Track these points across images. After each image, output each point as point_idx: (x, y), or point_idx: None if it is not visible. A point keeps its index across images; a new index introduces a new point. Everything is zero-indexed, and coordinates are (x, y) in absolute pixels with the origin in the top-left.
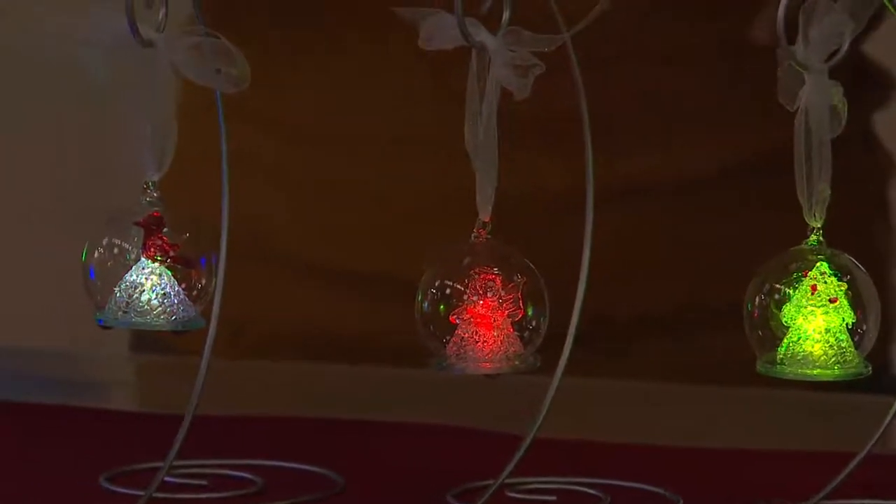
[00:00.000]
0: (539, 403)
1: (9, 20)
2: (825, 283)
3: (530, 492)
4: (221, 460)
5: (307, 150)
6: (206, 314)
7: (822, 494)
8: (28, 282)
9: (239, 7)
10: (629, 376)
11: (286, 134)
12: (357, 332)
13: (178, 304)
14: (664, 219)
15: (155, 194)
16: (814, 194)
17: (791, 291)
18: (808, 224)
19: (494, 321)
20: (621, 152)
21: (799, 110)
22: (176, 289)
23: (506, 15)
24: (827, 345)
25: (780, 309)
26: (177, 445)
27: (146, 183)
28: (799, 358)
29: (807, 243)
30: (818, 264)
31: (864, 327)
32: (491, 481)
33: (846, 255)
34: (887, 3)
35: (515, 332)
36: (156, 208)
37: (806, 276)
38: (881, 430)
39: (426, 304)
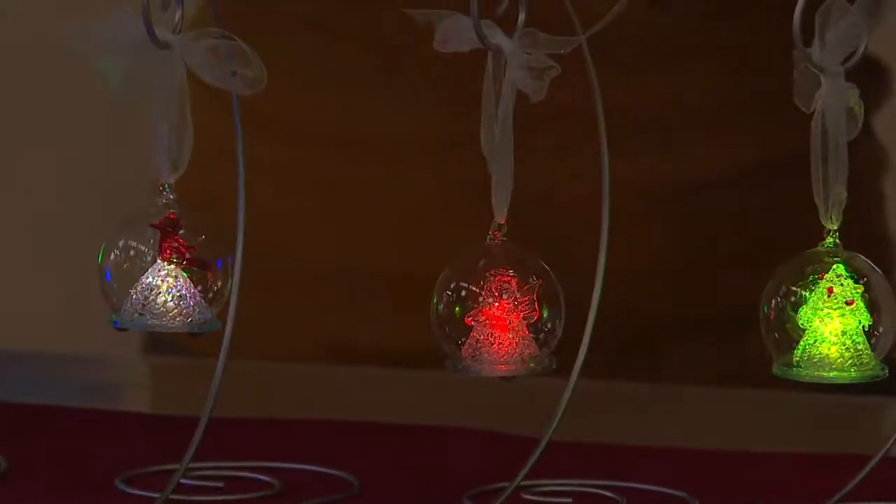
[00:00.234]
0: (554, 406)
1: (24, 23)
2: (841, 285)
3: (546, 494)
4: (237, 462)
5: (319, 152)
6: (221, 316)
7: (838, 497)
8: (42, 285)
9: (244, 7)
10: (645, 379)
11: (296, 136)
12: (372, 334)
13: (193, 306)
14: (679, 221)
15: (171, 196)
16: (830, 196)
17: (807, 294)
18: (824, 226)
19: (510, 323)
20: (637, 154)
21: (815, 113)
22: (192, 291)
23: (521, 17)
24: (843, 347)
25: (796, 311)
26: (193, 447)
27: (162, 185)
28: (815, 360)
29: (823, 245)
30: (834, 267)
31: (881, 330)
32: (506, 484)
33: (862, 257)
34: None
35: (531, 334)
36: (172, 210)
37: (822, 278)
38: None
39: (441, 305)
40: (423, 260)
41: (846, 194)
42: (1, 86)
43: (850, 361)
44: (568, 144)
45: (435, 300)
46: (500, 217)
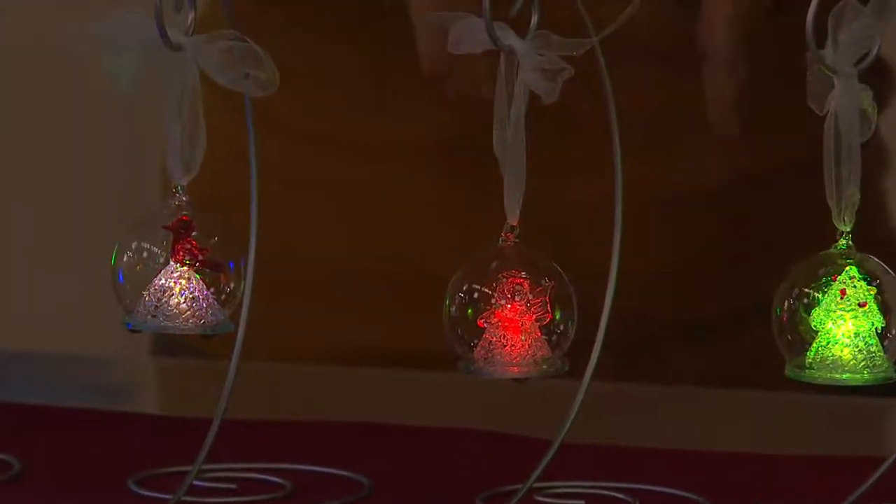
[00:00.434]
0: (564, 407)
1: (35, 24)
2: (854, 287)
3: (558, 496)
4: (250, 464)
5: (327, 153)
6: (233, 318)
7: (851, 499)
8: (52, 286)
9: (252, 7)
10: (656, 381)
11: (304, 137)
12: (384, 336)
13: (206, 307)
14: (687, 224)
15: (184, 198)
16: (843, 198)
17: (820, 295)
18: (836, 228)
19: (522, 325)
20: (646, 157)
21: (828, 114)
22: (205, 293)
23: (534, 19)
24: (856, 349)
25: (808, 313)
26: (206, 449)
27: (175, 187)
28: (828, 362)
29: (836, 247)
30: (847, 268)
31: (894, 332)
32: (519, 485)
33: (875, 259)
34: None
35: (543, 336)
36: (185, 212)
37: (835, 280)
38: None
39: (454, 307)
40: (435, 261)
41: (859, 196)
42: (15, 87)
43: (862, 363)
44: (579, 147)
45: (447, 302)
46: (513, 219)
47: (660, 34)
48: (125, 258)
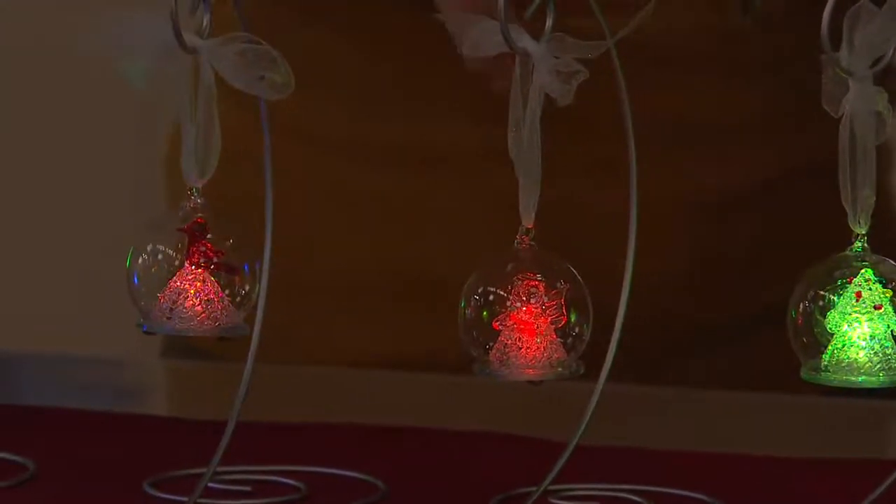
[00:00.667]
0: (581, 410)
1: (50, 26)
2: (870, 289)
3: (573, 499)
4: (264, 466)
5: (341, 157)
6: (248, 320)
7: (866, 502)
8: (65, 288)
9: (268, 10)
10: (672, 383)
11: (318, 141)
12: (399, 339)
13: (221, 310)
14: (706, 227)
15: (199, 200)
16: (858, 200)
17: (835, 298)
18: (852, 230)
19: (538, 327)
20: (662, 161)
21: (843, 117)
22: (220, 295)
23: (549, 21)
24: (872, 352)
25: (824, 316)
26: (220, 451)
27: (190, 189)
28: (843, 365)
29: (851, 250)
30: (863, 271)
31: None
32: (533, 488)
33: (891, 261)
34: None
35: (559, 339)
36: (200, 214)
37: (850, 282)
38: None
39: (469, 310)
40: (449, 264)
41: (874, 198)
42: (31, 88)
43: (878, 366)
44: (594, 150)
45: (462, 304)
46: (528, 221)
47: (674, 38)
48: (140, 260)
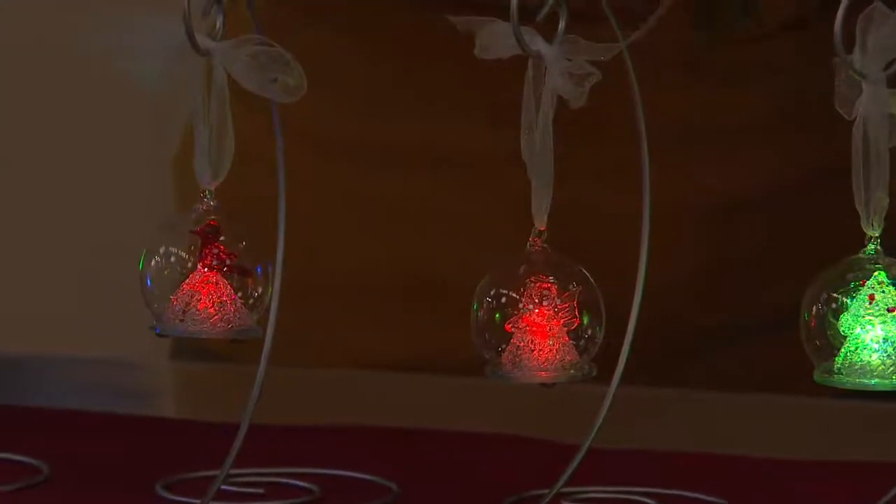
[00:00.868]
0: (591, 412)
1: (67, 28)
2: (883, 292)
3: (585, 501)
4: (277, 469)
5: (351, 160)
6: (261, 323)
7: None
8: (76, 290)
9: (278, 13)
10: (685, 386)
11: (328, 144)
12: (410, 341)
13: (234, 312)
14: (718, 229)
15: (212, 203)
16: (871, 203)
17: (848, 301)
18: (865, 233)
19: (550, 330)
20: (673, 165)
21: (857, 119)
22: (232, 297)
23: (562, 23)
24: (885, 355)
25: (837, 318)
26: (233, 453)
27: (203, 191)
28: (857, 368)
29: (864, 252)
30: (876, 273)
31: None
32: (546, 490)
33: None
34: None
35: (571, 341)
36: (212, 217)
37: (864, 285)
38: None
39: (482, 312)
40: (460, 267)
41: (888, 200)
42: (46, 90)
43: (891, 369)
44: (607, 152)
45: (475, 306)
46: (540, 224)
47: (685, 42)
48: (153, 263)
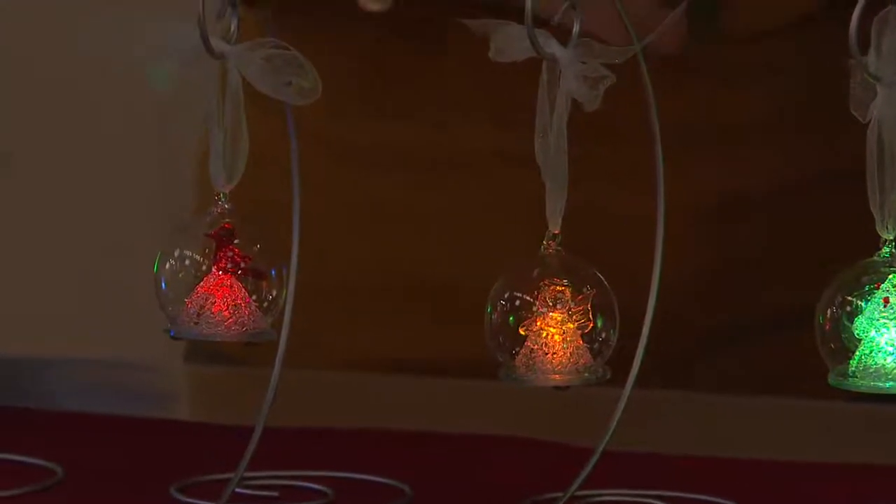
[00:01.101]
0: (601, 414)
1: (82, 31)
2: None
3: None
4: (291, 471)
5: (362, 163)
6: (275, 326)
7: None
8: (90, 293)
9: (294, 18)
10: (698, 388)
11: (339, 147)
12: (424, 344)
13: (248, 315)
14: (730, 232)
15: (226, 206)
16: (886, 205)
17: (863, 304)
18: (879, 236)
19: (564, 333)
20: (680, 167)
21: (871, 122)
22: (247, 300)
23: (576, 27)
24: None
25: (851, 321)
26: (248, 456)
27: (217, 194)
28: (871, 371)
29: (879, 255)
30: (890, 276)
31: None
32: (559, 493)
33: None
34: None
35: (585, 344)
36: (227, 219)
37: (878, 288)
38: None
39: (495, 315)
40: (474, 270)
41: None
42: (55, 91)
43: None
44: (619, 154)
45: (489, 309)
46: (555, 227)
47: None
48: (168, 266)
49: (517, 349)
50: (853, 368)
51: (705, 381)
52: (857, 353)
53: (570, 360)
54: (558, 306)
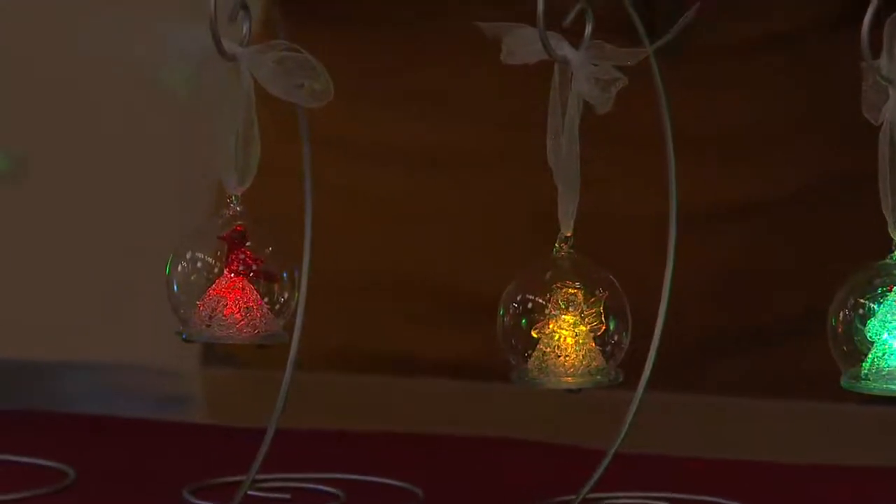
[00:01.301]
0: (613, 417)
1: (95, 33)
2: None
3: None
4: (303, 474)
5: (373, 165)
6: (287, 328)
7: None
8: (104, 296)
9: (307, 19)
10: (710, 391)
11: (349, 149)
12: (438, 347)
13: (260, 317)
14: (741, 237)
15: (238, 208)
16: None
17: (876, 306)
18: (892, 238)
19: (576, 335)
20: (700, 169)
21: (883, 124)
22: (259, 303)
23: (588, 28)
24: None
25: (864, 324)
26: (260, 458)
27: (229, 197)
28: (884, 373)
29: (891, 258)
30: None
31: None
32: (571, 496)
33: None
34: None
35: (597, 347)
36: (239, 222)
37: (891, 290)
38: None
39: (507, 317)
40: (483, 273)
41: None
42: (75, 94)
43: None
44: (631, 157)
45: (501, 312)
46: (567, 229)
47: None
48: (180, 268)
49: (529, 352)
50: (866, 371)
51: (716, 383)
52: (870, 355)
53: (582, 362)
54: (571, 309)
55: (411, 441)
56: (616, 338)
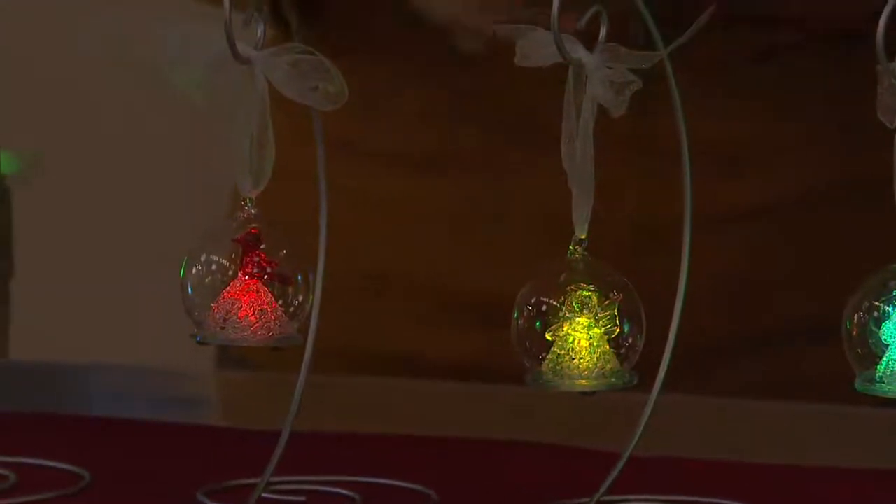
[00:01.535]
0: (630, 420)
1: (107, 37)
2: None
3: None
4: (317, 476)
5: (384, 167)
6: (301, 330)
7: None
8: (119, 299)
9: (326, 26)
10: (724, 394)
11: (358, 151)
12: (448, 351)
13: (275, 320)
14: (750, 241)
15: (252, 211)
16: None
17: (890, 309)
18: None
19: (590, 338)
20: (715, 177)
21: None
22: (273, 305)
23: (603, 31)
24: None
25: (879, 327)
26: (274, 461)
27: (244, 200)
28: None
29: None
30: None
31: None
32: (586, 499)
33: None
34: None
35: (612, 349)
36: (253, 225)
37: None
38: None
39: (522, 320)
40: (498, 276)
41: None
42: (88, 97)
43: None
44: (643, 161)
45: (515, 315)
46: (581, 232)
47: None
48: (194, 271)
49: (544, 354)
50: (880, 374)
51: (729, 386)
52: (885, 358)
53: (596, 365)
54: (585, 311)
55: (424, 443)
56: (630, 340)
